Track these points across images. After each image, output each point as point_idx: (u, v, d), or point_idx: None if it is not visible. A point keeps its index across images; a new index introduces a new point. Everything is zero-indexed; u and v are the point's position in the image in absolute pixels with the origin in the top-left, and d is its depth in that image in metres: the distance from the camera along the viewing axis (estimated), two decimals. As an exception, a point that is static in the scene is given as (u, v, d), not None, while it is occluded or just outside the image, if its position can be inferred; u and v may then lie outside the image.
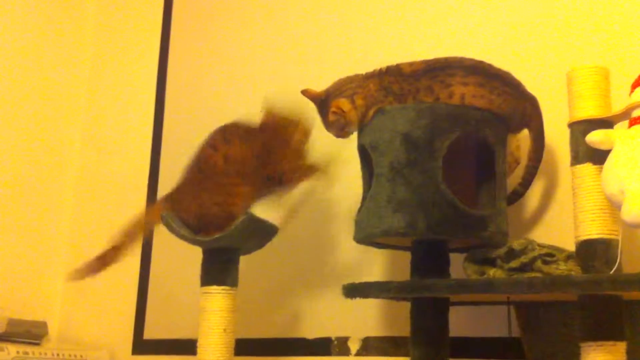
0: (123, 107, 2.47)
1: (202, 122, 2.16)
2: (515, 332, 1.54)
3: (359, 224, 1.47)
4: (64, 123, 2.46)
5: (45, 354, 2.01)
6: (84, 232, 2.40)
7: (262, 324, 1.98)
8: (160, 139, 2.34)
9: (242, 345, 1.70)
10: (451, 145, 1.38)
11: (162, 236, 2.17)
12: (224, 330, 1.56)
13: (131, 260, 2.25)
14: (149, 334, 2.19)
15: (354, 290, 1.42)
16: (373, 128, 1.46)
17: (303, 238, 1.97)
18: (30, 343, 2.07)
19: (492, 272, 1.35)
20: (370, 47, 1.98)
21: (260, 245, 1.67)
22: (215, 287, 1.58)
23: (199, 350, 1.58)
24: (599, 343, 1.23)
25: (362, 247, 1.55)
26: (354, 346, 1.83)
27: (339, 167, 1.79)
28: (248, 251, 1.67)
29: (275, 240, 1.69)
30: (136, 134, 2.40)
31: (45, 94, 2.40)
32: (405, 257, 1.49)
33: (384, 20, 1.98)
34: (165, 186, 1.90)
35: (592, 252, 1.25)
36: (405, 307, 1.47)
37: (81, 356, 2.09)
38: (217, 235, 1.52)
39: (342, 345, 1.85)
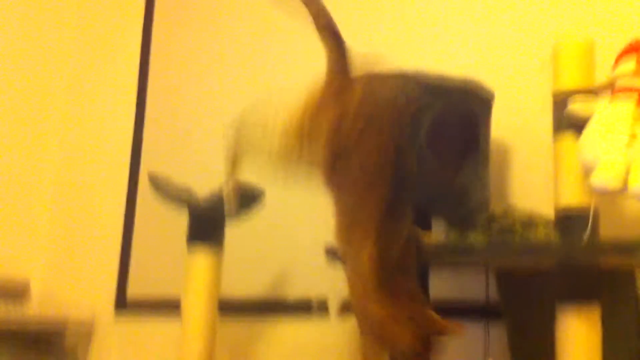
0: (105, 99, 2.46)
1: (183, 121, 2.19)
2: (493, 296, 1.57)
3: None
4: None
5: (27, 313, 2.02)
6: (66, 192, 2.39)
7: (244, 285, 2.00)
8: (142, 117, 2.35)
9: (224, 306, 1.72)
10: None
11: (146, 195, 2.19)
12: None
13: (114, 219, 2.26)
14: (132, 295, 2.20)
15: (335, 253, 1.44)
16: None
17: (286, 201, 1.98)
18: (10, 304, 2.07)
19: (473, 237, 1.38)
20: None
21: (246, 209, 1.67)
22: (201, 246, 1.58)
23: (182, 310, 1.59)
24: (575, 307, 1.25)
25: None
26: (333, 307, 1.87)
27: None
28: (234, 214, 1.68)
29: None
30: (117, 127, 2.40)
31: (26, 93, 2.38)
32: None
33: (369, 29, 1.98)
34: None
35: (571, 219, 1.28)
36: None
37: (63, 316, 2.10)
38: (202, 199, 1.53)
39: (322, 307, 1.88)
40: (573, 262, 1.26)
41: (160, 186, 1.56)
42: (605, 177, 1.13)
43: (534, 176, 1.64)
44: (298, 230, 1.96)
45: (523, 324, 1.50)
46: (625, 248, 1.17)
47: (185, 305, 1.59)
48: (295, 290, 1.93)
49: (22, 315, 2.00)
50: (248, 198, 1.63)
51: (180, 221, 1.63)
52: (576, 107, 1.25)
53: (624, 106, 1.21)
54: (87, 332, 2.13)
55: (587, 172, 1.21)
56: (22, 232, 2.30)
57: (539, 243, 1.27)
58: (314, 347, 1.87)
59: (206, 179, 1.59)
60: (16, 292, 2.08)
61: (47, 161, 2.40)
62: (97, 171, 2.36)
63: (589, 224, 1.26)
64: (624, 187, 1.12)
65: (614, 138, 1.17)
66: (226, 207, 1.46)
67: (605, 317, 1.26)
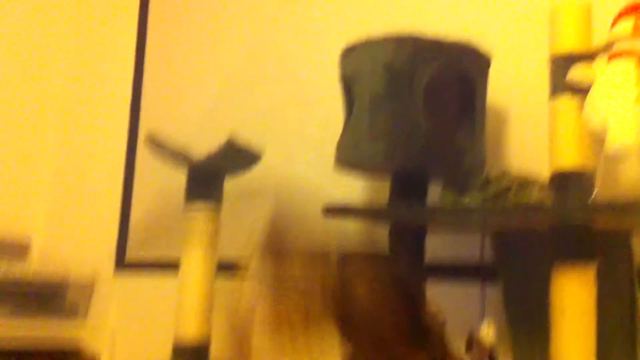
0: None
1: (182, 80, 2.18)
2: (489, 257, 1.59)
3: (338, 154, 1.49)
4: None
5: (27, 272, 2.04)
6: (66, 150, 2.40)
7: (242, 246, 2.02)
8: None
9: (222, 267, 1.74)
10: (432, 78, 1.39)
11: (145, 155, 2.20)
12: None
13: (114, 178, 2.27)
14: (132, 252, 2.23)
15: (333, 211, 1.45)
16: (354, 59, 1.46)
17: (284, 158, 1.99)
18: (11, 261, 2.09)
19: (468, 201, 1.38)
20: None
21: (243, 169, 1.68)
22: (199, 205, 1.59)
23: (181, 267, 1.61)
24: (570, 267, 1.27)
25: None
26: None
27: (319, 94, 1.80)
28: (232, 175, 1.69)
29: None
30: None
31: (25, 53, 2.36)
32: (387, 186, 1.52)
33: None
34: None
35: (566, 182, 1.28)
36: (384, 229, 1.51)
37: (64, 274, 2.12)
38: (200, 160, 1.54)
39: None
40: (568, 223, 1.27)
41: (158, 146, 1.57)
42: (620, 142, 1.13)
43: (530, 139, 1.64)
44: (296, 189, 1.97)
45: (518, 284, 1.51)
46: (621, 208, 1.17)
47: (183, 262, 1.60)
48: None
49: (22, 272, 2.01)
50: (246, 159, 1.64)
51: (179, 180, 1.64)
52: (575, 74, 1.24)
53: (626, 67, 1.21)
54: (87, 289, 2.15)
55: (596, 135, 1.21)
56: (23, 190, 2.32)
57: (534, 204, 1.28)
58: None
59: (204, 138, 1.60)
60: (17, 250, 2.10)
61: (47, 120, 2.40)
62: (97, 130, 2.37)
63: (592, 186, 1.26)
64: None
65: (620, 99, 1.17)
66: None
67: (600, 277, 1.28)
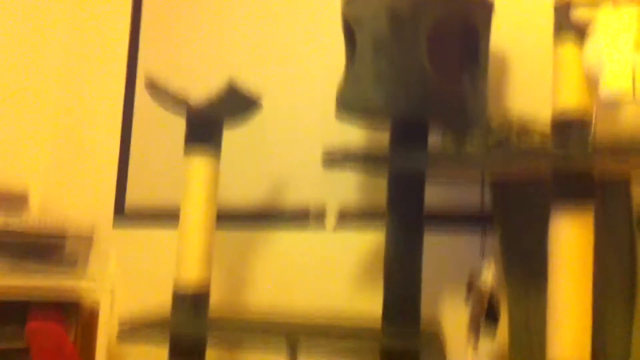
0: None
1: (180, 24, 2.14)
2: (489, 204, 1.59)
3: (340, 98, 1.48)
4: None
5: (26, 223, 2.04)
6: (64, 101, 2.38)
7: (241, 195, 2.02)
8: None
9: (221, 216, 1.74)
10: (436, 24, 1.37)
11: (144, 103, 2.19)
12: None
13: (111, 128, 2.26)
14: (131, 202, 2.22)
15: (333, 159, 1.44)
16: (357, 3, 1.44)
17: (284, 109, 1.99)
18: (10, 213, 2.09)
19: (469, 147, 1.38)
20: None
21: (243, 117, 1.67)
22: (198, 153, 1.58)
23: (181, 214, 1.60)
24: (569, 210, 1.27)
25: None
26: (331, 218, 1.89)
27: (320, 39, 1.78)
28: (232, 122, 1.68)
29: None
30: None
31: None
32: (386, 135, 1.51)
33: None
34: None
35: (568, 126, 1.28)
36: (383, 180, 1.51)
37: (62, 226, 2.12)
38: (199, 104, 1.53)
39: (318, 219, 1.90)
40: (569, 168, 1.27)
41: (157, 90, 1.55)
42: (613, 88, 1.13)
43: (532, 85, 1.63)
44: (296, 137, 1.96)
45: (515, 233, 1.52)
46: (621, 151, 1.17)
47: (183, 209, 1.60)
48: (293, 200, 1.95)
49: (21, 223, 2.01)
50: (246, 106, 1.63)
51: (178, 129, 1.63)
52: (580, 17, 1.23)
53: (628, 14, 1.20)
54: (86, 240, 2.15)
55: (592, 79, 1.21)
56: (20, 141, 2.31)
57: (535, 148, 1.28)
58: (311, 256, 1.91)
59: (203, 83, 1.58)
60: (15, 202, 2.09)
61: (44, 72, 2.38)
62: (94, 79, 2.36)
63: (592, 130, 1.26)
64: (632, 96, 1.13)
65: (619, 45, 1.17)
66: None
67: (599, 224, 1.28)
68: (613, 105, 1.18)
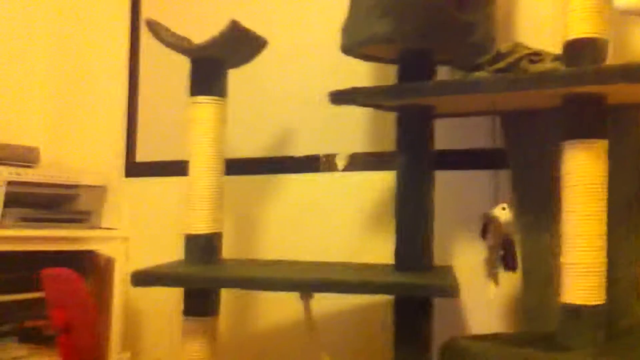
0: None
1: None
2: (500, 144, 1.57)
3: (345, 31, 1.45)
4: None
5: (39, 177, 2.04)
6: (74, 59, 2.37)
7: (250, 145, 2.01)
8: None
9: (232, 165, 1.73)
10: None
11: (149, 56, 2.17)
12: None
13: (118, 81, 2.25)
14: (142, 155, 2.22)
15: (340, 97, 1.43)
16: None
17: (291, 54, 1.96)
18: (22, 167, 2.08)
19: (478, 75, 1.35)
20: None
21: (247, 58, 1.65)
22: (203, 97, 1.56)
23: (189, 161, 1.59)
24: (581, 141, 1.25)
25: (349, 62, 1.55)
26: (341, 162, 1.88)
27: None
28: (236, 64, 1.65)
29: (263, 56, 1.68)
30: None
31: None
32: (392, 74, 1.49)
33: None
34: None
35: (579, 50, 1.25)
36: (391, 122, 1.49)
37: (74, 178, 2.12)
38: (203, 44, 1.50)
39: (329, 162, 1.89)
40: (583, 94, 1.24)
41: (159, 29, 1.53)
42: None
43: (542, 13, 1.60)
44: (302, 83, 1.94)
45: (528, 167, 1.50)
46: (633, 73, 1.14)
47: (191, 156, 1.58)
48: (302, 147, 1.93)
49: (33, 176, 2.01)
50: (250, 46, 1.61)
51: (185, 76, 1.61)
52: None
53: None
54: (99, 190, 2.16)
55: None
56: (28, 97, 2.30)
57: (546, 72, 1.25)
58: (321, 199, 1.90)
59: (207, 30, 1.56)
60: (26, 156, 2.09)
61: (52, 25, 2.36)
62: (99, 29, 2.34)
63: (606, 53, 1.23)
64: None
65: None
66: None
67: (609, 153, 1.26)
68: (629, 14, 1.14)
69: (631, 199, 1.37)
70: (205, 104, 1.57)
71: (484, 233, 1.36)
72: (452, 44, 1.38)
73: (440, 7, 1.33)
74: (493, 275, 1.34)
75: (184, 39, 1.53)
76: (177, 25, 2.03)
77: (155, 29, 1.53)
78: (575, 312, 1.23)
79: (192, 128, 1.58)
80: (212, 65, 1.57)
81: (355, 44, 1.44)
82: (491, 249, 1.34)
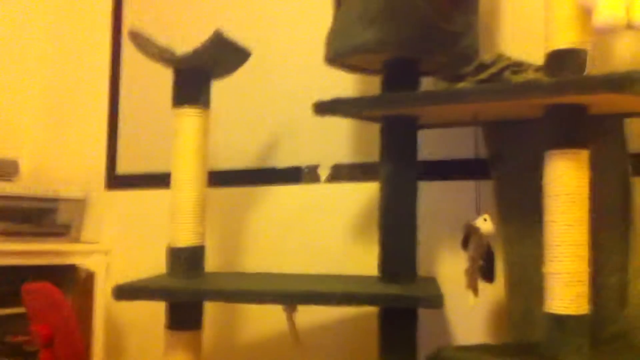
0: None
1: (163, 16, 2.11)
2: (482, 154, 1.58)
3: (330, 42, 1.45)
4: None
5: (18, 190, 2.02)
6: (55, 71, 2.36)
7: (233, 157, 2.00)
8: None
9: (214, 176, 1.72)
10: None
11: (130, 66, 2.16)
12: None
13: (99, 92, 2.24)
14: (122, 168, 2.20)
15: (324, 107, 1.42)
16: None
17: (275, 65, 1.96)
18: (1, 181, 2.06)
19: (461, 85, 1.36)
20: None
21: (231, 69, 1.64)
22: (187, 107, 1.55)
23: (172, 173, 1.58)
24: (563, 150, 1.25)
25: (333, 73, 1.54)
26: (323, 173, 1.87)
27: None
28: (219, 75, 1.65)
29: (247, 67, 1.68)
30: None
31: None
32: (376, 85, 1.49)
33: None
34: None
35: (561, 61, 1.26)
36: (374, 133, 1.49)
37: (55, 191, 2.10)
38: (186, 55, 1.50)
39: (312, 173, 1.89)
40: (563, 102, 1.25)
41: (141, 40, 1.52)
42: (608, 15, 1.11)
43: (524, 24, 1.61)
44: (286, 93, 1.94)
45: (511, 176, 1.51)
46: (614, 82, 1.15)
47: (174, 167, 1.57)
48: (285, 158, 1.93)
49: (13, 190, 1.99)
50: (234, 57, 1.60)
51: (167, 87, 1.60)
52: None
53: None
54: (80, 203, 2.14)
55: (586, 10, 1.18)
56: (9, 109, 2.28)
57: (529, 82, 1.25)
58: (305, 211, 1.89)
59: (190, 40, 1.55)
60: (6, 169, 2.07)
61: (32, 36, 2.35)
62: (81, 41, 2.33)
63: (585, 61, 1.24)
64: (626, 23, 1.10)
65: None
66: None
67: (593, 163, 1.27)
68: (607, 33, 1.15)
69: (617, 205, 1.38)
70: (189, 115, 1.56)
71: (465, 244, 1.36)
72: (438, 54, 1.38)
73: (426, 17, 1.33)
74: (473, 286, 1.35)
75: (166, 50, 1.53)
76: (160, 33, 2.04)
77: (138, 40, 1.52)
78: (560, 321, 1.23)
79: (175, 139, 1.57)
80: (196, 76, 1.56)
81: (340, 55, 1.44)
82: (472, 260, 1.34)
